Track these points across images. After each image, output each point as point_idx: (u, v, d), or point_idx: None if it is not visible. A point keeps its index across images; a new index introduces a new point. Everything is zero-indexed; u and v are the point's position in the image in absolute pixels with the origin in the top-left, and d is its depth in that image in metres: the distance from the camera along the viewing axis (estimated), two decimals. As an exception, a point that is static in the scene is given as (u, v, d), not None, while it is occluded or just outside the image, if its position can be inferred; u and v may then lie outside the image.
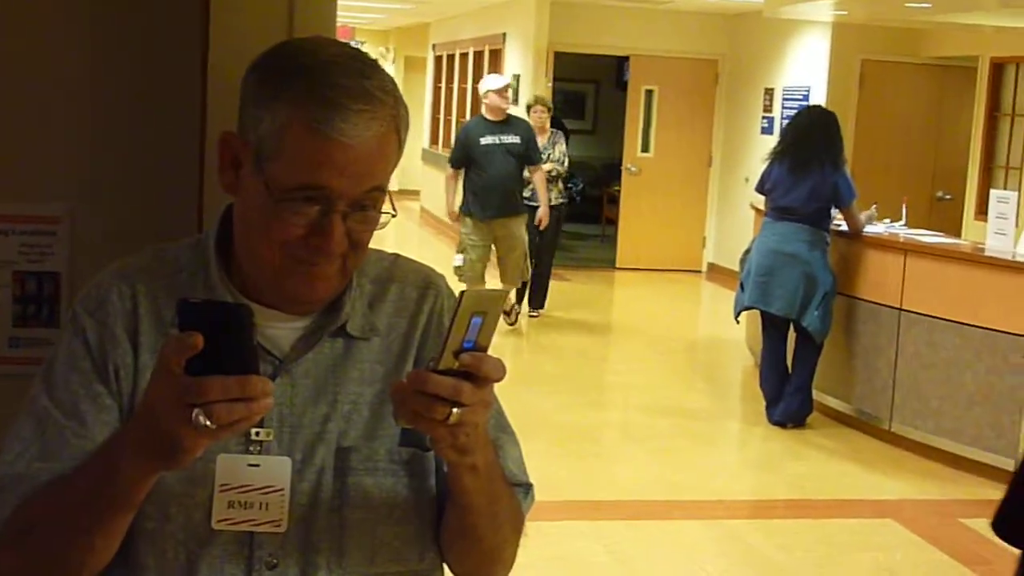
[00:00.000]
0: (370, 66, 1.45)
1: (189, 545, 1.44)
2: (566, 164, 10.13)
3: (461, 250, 9.15)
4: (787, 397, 7.23)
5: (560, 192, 10.14)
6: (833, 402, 7.45)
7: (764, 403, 7.35)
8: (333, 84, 1.39)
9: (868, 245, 7.23)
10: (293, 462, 1.45)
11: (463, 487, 1.44)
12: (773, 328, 7.28)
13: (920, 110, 11.98)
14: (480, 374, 1.29)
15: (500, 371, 1.31)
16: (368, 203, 1.43)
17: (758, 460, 7.01)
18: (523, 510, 1.61)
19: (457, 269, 8.94)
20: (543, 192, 9.51)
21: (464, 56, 16.31)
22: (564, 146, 10.15)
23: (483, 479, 1.43)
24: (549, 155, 9.86)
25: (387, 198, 1.47)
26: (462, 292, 1.30)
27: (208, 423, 1.21)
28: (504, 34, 14.20)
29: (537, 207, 9.49)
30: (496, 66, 14.07)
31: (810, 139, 7.06)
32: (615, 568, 5.10)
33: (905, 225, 7.74)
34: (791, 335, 7.26)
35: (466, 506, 1.46)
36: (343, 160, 1.39)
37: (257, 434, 1.43)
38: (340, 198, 1.40)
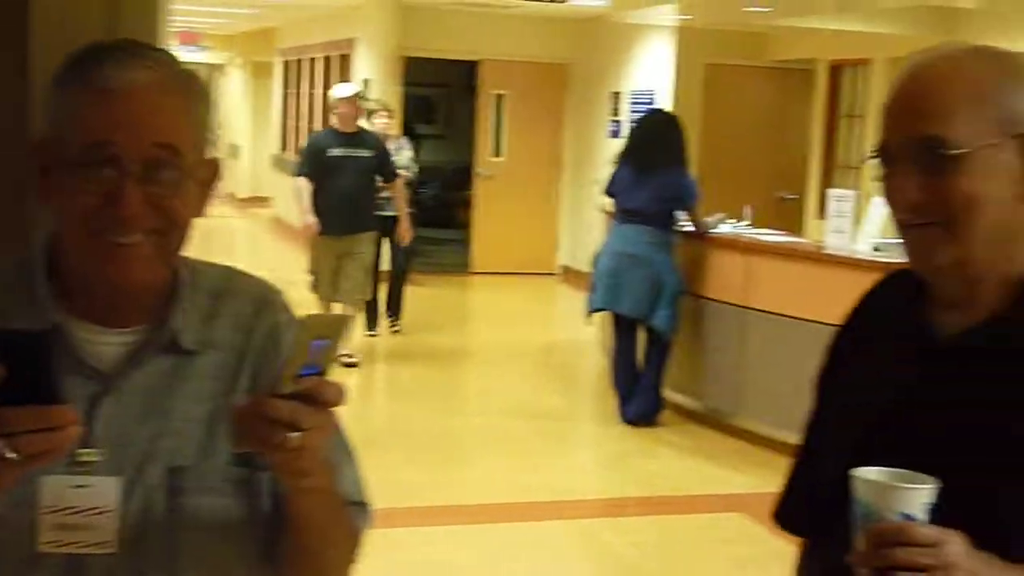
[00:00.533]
0: (151, 47, 1.48)
1: (17, 569, 1.40)
2: (414, 171, 9.84)
3: (313, 269, 8.72)
4: (638, 396, 7.35)
5: (407, 202, 9.71)
6: (683, 399, 7.60)
7: (617, 402, 7.46)
8: (106, 49, 1.43)
9: (713, 246, 7.38)
10: (122, 482, 1.42)
11: (299, 509, 1.43)
12: (623, 329, 7.39)
13: (763, 112, 12.28)
14: (319, 399, 1.29)
15: (339, 396, 1.31)
16: (162, 163, 1.39)
17: (611, 459, 7.10)
18: (359, 529, 1.61)
19: (313, 286, 8.62)
20: (403, 206, 9.17)
21: (313, 62, 16.18)
22: (411, 152, 9.88)
23: (320, 501, 1.43)
24: (396, 162, 9.53)
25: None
26: (303, 317, 1.30)
27: (13, 455, 1.19)
28: (353, 39, 14.13)
29: (388, 218, 9.12)
30: (346, 72, 13.99)
31: (654, 142, 7.19)
32: (473, 572, 5.12)
33: (749, 225, 7.92)
34: (641, 335, 7.38)
35: (302, 527, 1.46)
36: (120, 110, 1.37)
37: (81, 455, 1.40)
38: (126, 156, 1.37)
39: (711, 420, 7.36)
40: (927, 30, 9.78)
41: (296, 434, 1.27)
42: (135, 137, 1.38)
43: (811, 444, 1.71)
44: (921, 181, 1.44)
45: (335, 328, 1.30)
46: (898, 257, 1.58)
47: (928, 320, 1.54)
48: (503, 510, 5.86)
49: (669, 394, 7.53)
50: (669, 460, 6.84)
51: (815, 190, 11.25)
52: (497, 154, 13.90)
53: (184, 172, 1.42)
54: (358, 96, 8.94)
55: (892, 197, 1.48)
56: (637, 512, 6.03)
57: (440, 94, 17.80)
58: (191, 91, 1.45)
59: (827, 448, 1.58)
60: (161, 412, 1.46)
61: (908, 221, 1.47)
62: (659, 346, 7.29)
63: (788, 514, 1.73)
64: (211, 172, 1.50)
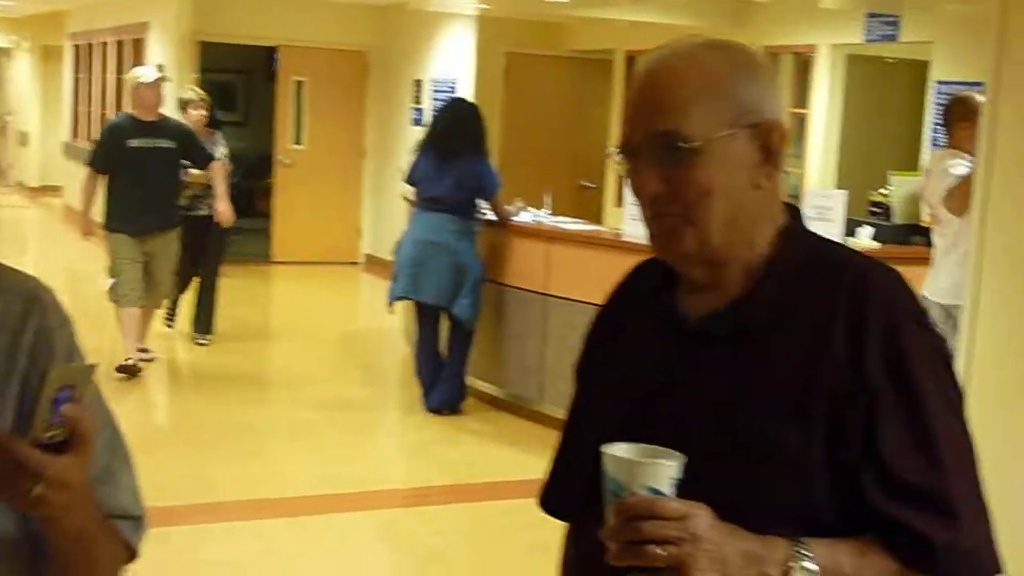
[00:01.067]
0: None
1: None
2: (229, 166, 9.05)
3: (113, 272, 7.90)
4: (442, 384, 7.37)
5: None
6: (486, 387, 7.65)
7: (420, 391, 7.46)
8: None
9: (515, 234, 7.45)
10: None
11: (55, 539, 1.40)
12: (426, 317, 7.39)
13: (563, 101, 12.44)
14: (66, 449, 1.27)
15: (88, 446, 1.29)
16: None
17: (415, 448, 7.10)
18: (133, 543, 1.55)
19: (111, 293, 7.89)
20: (223, 188, 8.45)
21: (104, 46, 15.67)
22: (225, 147, 9.08)
23: (74, 537, 1.39)
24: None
25: None
26: (48, 367, 1.28)
27: None
28: (146, 23, 13.74)
29: (200, 219, 8.50)
30: (139, 57, 13.60)
31: (455, 131, 7.21)
32: (276, 567, 5.05)
33: (550, 213, 8.01)
34: (444, 323, 7.39)
35: (62, 551, 1.42)
36: None
37: None
38: None
39: (514, 407, 7.43)
40: (721, 21, 10.07)
41: (40, 486, 1.25)
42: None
43: (572, 429, 1.74)
44: (661, 174, 1.49)
45: (83, 376, 1.29)
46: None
47: (677, 305, 1.60)
48: (303, 503, 5.80)
49: (472, 382, 7.57)
50: (472, 447, 6.88)
51: (614, 179, 11.45)
52: (298, 142, 13.72)
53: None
54: (161, 80, 8.14)
55: (636, 190, 1.53)
56: (441, 501, 6.04)
57: (239, 80, 17.45)
58: None
59: (588, 433, 1.60)
60: None
61: (651, 212, 1.53)
62: (461, 334, 7.32)
63: (553, 499, 1.76)
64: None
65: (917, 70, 9.24)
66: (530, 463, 6.58)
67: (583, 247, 7.02)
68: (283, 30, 13.19)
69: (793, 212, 1.61)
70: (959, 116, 5.94)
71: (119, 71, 14.50)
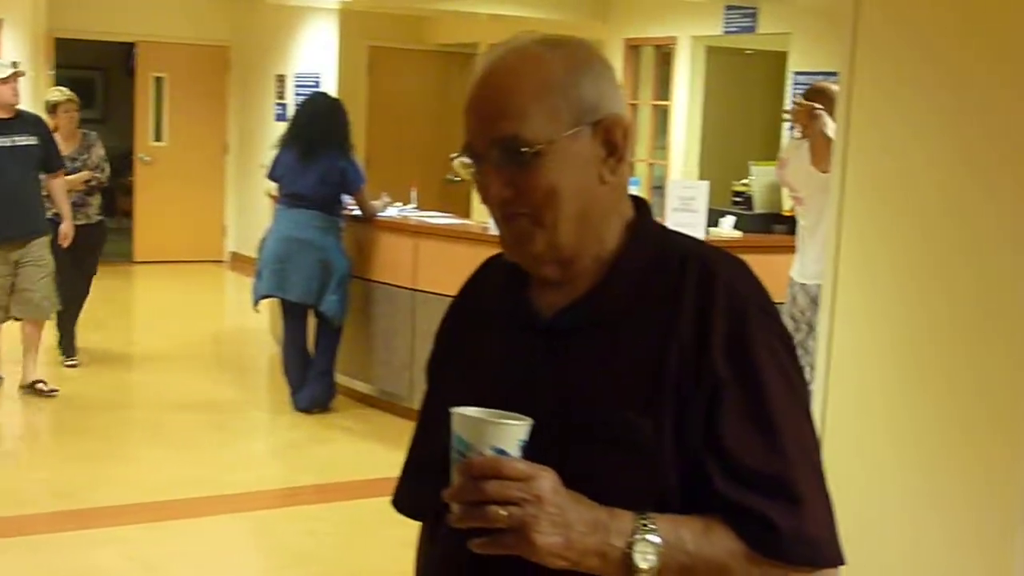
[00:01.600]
0: None
1: None
2: (107, 171, 8.32)
3: None
4: (310, 383, 7.29)
5: (99, 207, 8.32)
6: (356, 384, 7.58)
7: (289, 390, 7.36)
8: None
9: (381, 229, 7.40)
10: None
11: None
12: (292, 315, 7.29)
13: (427, 95, 12.40)
14: None
15: None
16: None
17: (284, 448, 7.00)
18: None
19: None
20: (65, 205, 7.62)
21: (-46, 42, 15.15)
22: (101, 148, 8.33)
23: None
24: (86, 161, 8.13)
25: None
26: None
27: None
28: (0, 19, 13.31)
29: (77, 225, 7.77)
30: (-10, 53, 13.16)
31: (317, 126, 7.12)
32: (139, 574, 4.92)
33: (416, 208, 7.97)
34: (311, 321, 7.30)
35: None
36: None
37: None
38: None
39: (384, 403, 7.38)
40: (582, 14, 10.14)
41: None
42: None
43: (425, 428, 1.73)
44: (506, 178, 1.49)
45: None
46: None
47: (530, 300, 1.59)
48: (169, 508, 5.67)
49: (342, 379, 7.50)
50: (343, 445, 6.81)
51: (480, 172, 11.44)
52: (159, 139, 13.45)
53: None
54: (17, 75, 7.40)
55: (483, 194, 1.53)
56: (312, 500, 5.97)
57: (97, 77, 17.03)
58: None
59: (441, 432, 1.59)
60: None
61: (499, 215, 1.53)
62: (329, 332, 7.24)
63: (406, 499, 1.75)
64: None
65: (775, 61, 9.43)
66: (401, 460, 6.54)
67: (450, 241, 7.00)
68: (140, 25, 12.91)
69: (640, 205, 1.61)
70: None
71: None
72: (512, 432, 1.38)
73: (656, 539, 1.39)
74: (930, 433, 3.77)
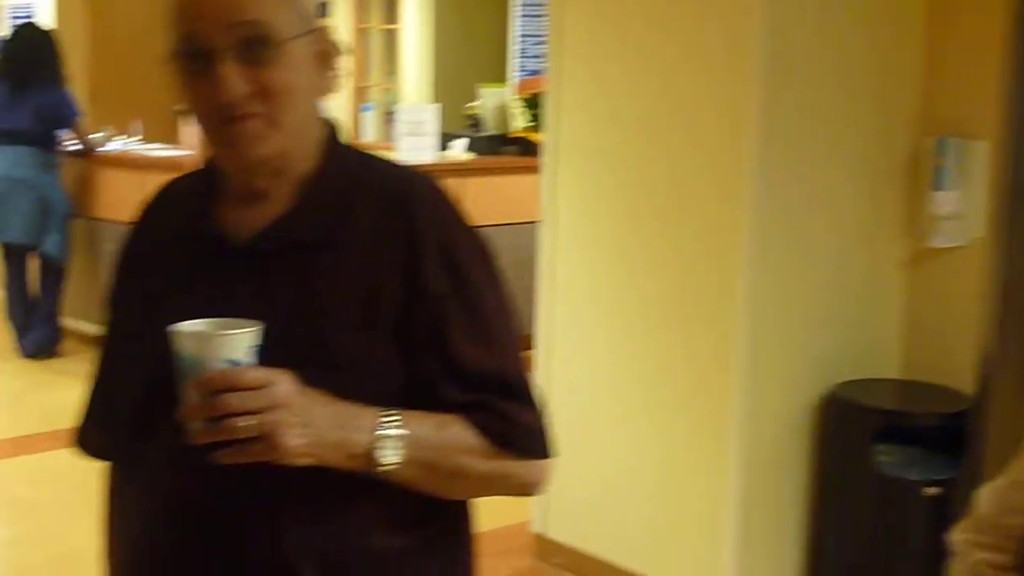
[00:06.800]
0: None
1: None
2: None
3: None
4: (35, 327, 7.02)
5: None
6: (85, 326, 7.33)
7: (13, 336, 7.07)
8: None
9: (103, 164, 7.14)
10: None
11: None
12: (13, 257, 6.99)
13: (153, 26, 11.89)
14: None
15: None
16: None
17: (10, 397, 6.72)
18: None
19: None
20: None
21: None
22: None
23: None
24: None
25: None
26: None
27: None
28: None
29: None
30: None
31: (28, 59, 6.80)
32: None
33: (141, 140, 7.72)
34: (33, 263, 7.02)
35: None
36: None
37: None
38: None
39: (116, 344, 7.17)
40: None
41: None
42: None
43: (110, 362, 1.66)
44: (244, 73, 1.44)
45: None
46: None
47: (220, 223, 1.56)
48: None
49: (68, 322, 7.24)
50: (72, 391, 6.46)
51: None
52: None
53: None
54: None
55: (214, 93, 1.44)
56: (40, 449, 5.74)
57: None
58: None
59: (129, 364, 1.54)
60: None
61: (228, 115, 1.45)
62: (53, 273, 6.99)
63: (92, 439, 1.69)
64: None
65: (502, -16, 9.48)
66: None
67: (178, 173, 6.79)
68: None
69: (329, 125, 1.59)
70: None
71: None
72: (242, 340, 1.35)
73: (399, 432, 1.41)
74: (645, 345, 3.92)
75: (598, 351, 4.04)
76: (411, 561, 1.53)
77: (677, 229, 3.77)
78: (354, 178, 1.55)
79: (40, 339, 7.04)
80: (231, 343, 1.34)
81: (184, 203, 1.61)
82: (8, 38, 7.21)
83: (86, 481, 5.33)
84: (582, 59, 4.03)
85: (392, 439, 1.41)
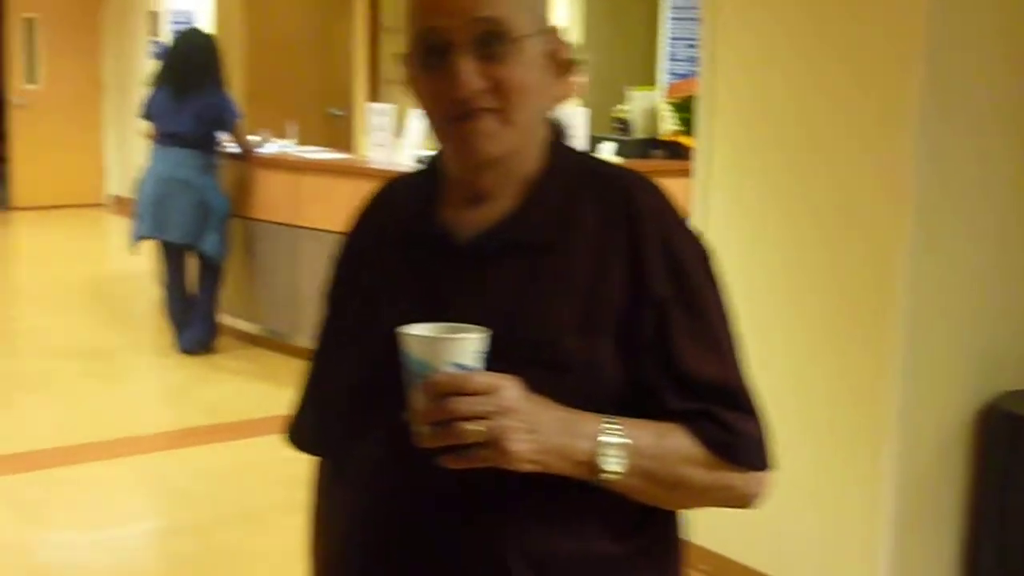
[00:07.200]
0: None
1: None
2: None
3: None
4: (193, 324, 7.21)
5: None
6: (241, 324, 7.52)
7: (173, 332, 7.28)
8: None
9: (260, 166, 7.30)
10: None
11: None
12: (172, 256, 7.20)
13: (307, 28, 12.17)
14: None
15: None
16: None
17: (170, 391, 6.93)
18: None
19: None
20: None
21: None
22: None
23: None
24: None
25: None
26: None
27: None
28: None
29: None
30: None
31: (189, 63, 6.99)
32: (19, 525, 4.85)
33: (296, 143, 7.88)
34: (192, 262, 7.21)
35: None
36: None
37: None
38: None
39: (269, 342, 7.33)
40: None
41: None
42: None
43: (326, 357, 1.67)
44: (481, 68, 1.43)
45: None
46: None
47: (443, 223, 1.54)
48: (51, 455, 5.59)
49: (225, 319, 7.43)
50: (229, 386, 6.76)
51: (362, 106, 11.32)
52: (33, 81, 13.08)
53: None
54: None
55: (450, 88, 1.44)
56: (200, 442, 5.92)
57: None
58: None
59: (345, 361, 1.55)
60: None
61: (463, 111, 1.45)
62: (210, 272, 7.17)
63: (305, 432, 1.70)
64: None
65: (653, -12, 9.42)
66: (288, 397, 6.47)
67: (331, 176, 6.93)
68: (6, -37, 12.50)
69: (555, 126, 1.57)
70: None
71: None
72: (470, 345, 1.34)
73: (621, 440, 1.40)
74: (799, 347, 3.86)
75: (747, 352, 4.00)
76: (628, 569, 1.51)
77: (834, 230, 3.70)
78: (577, 180, 1.53)
79: (197, 336, 7.23)
80: (460, 347, 1.34)
81: (405, 203, 1.60)
82: (171, 44, 7.43)
83: (245, 474, 5.49)
84: (736, 62, 3.99)
85: (614, 447, 1.40)
